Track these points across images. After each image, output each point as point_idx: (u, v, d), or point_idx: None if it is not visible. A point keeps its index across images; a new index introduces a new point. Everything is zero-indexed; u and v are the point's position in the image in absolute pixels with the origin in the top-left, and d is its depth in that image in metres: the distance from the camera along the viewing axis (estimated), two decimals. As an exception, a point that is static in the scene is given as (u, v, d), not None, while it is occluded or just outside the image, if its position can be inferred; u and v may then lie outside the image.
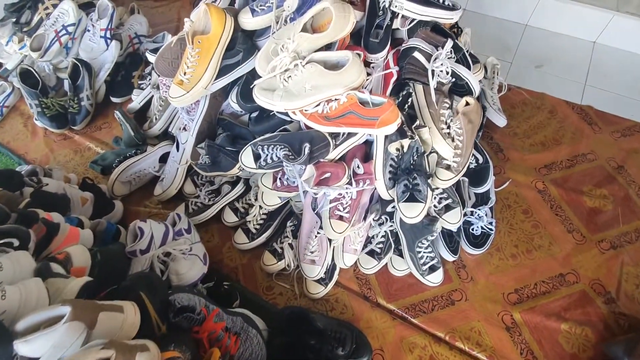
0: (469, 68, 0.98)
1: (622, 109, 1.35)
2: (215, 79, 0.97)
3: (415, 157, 0.87)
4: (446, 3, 0.88)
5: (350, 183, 0.92)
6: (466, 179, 1.09)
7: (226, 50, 0.95)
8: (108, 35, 1.45)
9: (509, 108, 1.37)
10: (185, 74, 0.93)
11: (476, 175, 1.11)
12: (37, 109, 1.36)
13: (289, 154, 0.85)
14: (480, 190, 1.10)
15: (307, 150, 0.81)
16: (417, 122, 0.85)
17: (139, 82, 1.45)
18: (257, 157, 0.91)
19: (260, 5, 0.95)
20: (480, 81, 1.24)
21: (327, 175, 0.90)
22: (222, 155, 1.00)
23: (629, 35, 1.48)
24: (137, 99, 1.38)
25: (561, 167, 1.22)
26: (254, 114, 1.03)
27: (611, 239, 1.08)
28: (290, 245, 1.03)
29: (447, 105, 0.93)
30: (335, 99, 0.81)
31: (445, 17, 0.88)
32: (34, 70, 1.36)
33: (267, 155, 0.89)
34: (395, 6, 0.84)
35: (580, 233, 1.09)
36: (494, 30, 1.65)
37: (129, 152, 1.26)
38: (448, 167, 0.95)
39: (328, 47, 0.87)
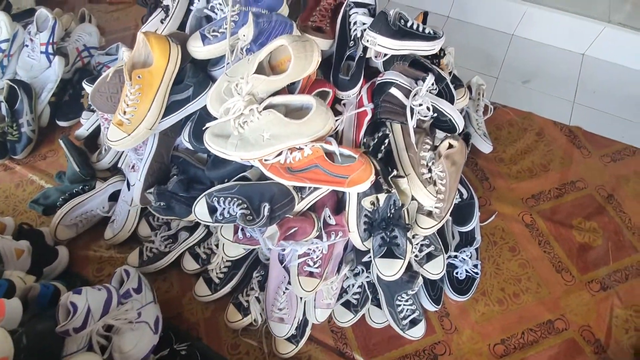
0: (452, 101, 0.88)
1: (612, 129, 1.28)
2: (163, 117, 0.83)
3: (392, 211, 0.77)
4: (426, 31, 0.77)
5: (320, 236, 0.81)
6: (449, 217, 1.00)
7: (174, 83, 0.82)
8: (50, 50, 1.27)
9: (495, 130, 1.28)
10: (125, 113, 0.79)
11: (460, 213, 1.02)
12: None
13: (246, 213, 0.73)
14: (465, 229, 1.01)
15: (266, 212, 0.70)
16: (394, 172, 0.75)
17: (89, 102, 1.29)
18: (212, 209, 0.79)
19: (213, 31, 0.81)
20: (462, 109, 1.15)
21: (294, 230, 0.79)
22: (175, 202, 0.87)
23: (620, 47, 1.41)
24: (86, 124, 1.22)
25: (549, 197, 1.14)
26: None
27: (601, 279, 1.01)
28: (257, 298, 0.93)
29: (429, 147, 0.82)
30: (299, 148, 0.69)
31: (425, 49, 0.77)
32: (-38, 93, 1.19)
33: (223, 209, 0.77)
34: (367, 41, 0.72)
35: (569, 273, 1.02)
36: (479, 41, 1.54)
37: (74, 188, 1.11)
38: (430, 214, 0.85)
39: (292, 83, 0.75)
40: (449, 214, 0.87)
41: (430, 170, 0.82)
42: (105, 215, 1.07)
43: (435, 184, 0.83)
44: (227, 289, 0.97)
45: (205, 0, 0.91)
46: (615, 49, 1.41)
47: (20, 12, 1.45)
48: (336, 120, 0.79)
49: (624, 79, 1.41)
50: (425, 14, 1.08)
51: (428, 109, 0.80)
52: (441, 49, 1.01)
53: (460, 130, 0.87)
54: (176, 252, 1.00)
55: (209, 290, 0.97)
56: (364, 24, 0.75)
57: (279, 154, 0.72)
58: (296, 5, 0.92)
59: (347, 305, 0.93)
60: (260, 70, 0.69)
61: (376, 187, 0.72)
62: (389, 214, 0.77)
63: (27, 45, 1.26)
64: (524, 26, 1.52)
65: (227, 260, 0.97)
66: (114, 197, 1.08)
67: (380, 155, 0.81)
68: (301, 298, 0.89)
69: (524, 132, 1.28)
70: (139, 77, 0.77)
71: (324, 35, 0.79)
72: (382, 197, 0.73)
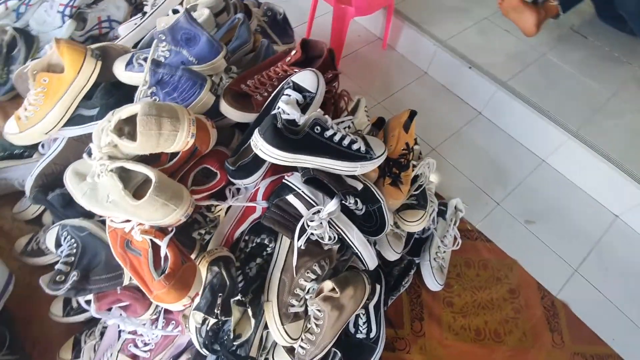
0: (380, 230, 0.71)
1: (606, 323, 1.00)
2: (66, 126, 0.77)
3: (225, 339, 0.62)
4: (354, 147, 0.61)
5: (157, 320, 0.69)
6: (338, 353, 0.82)
7: (87, 97, 0.75)
8: (67, 12, 1.29)
9: (463, 265, 1.07)
10: (25, 110, 0.74)
11: (357, 351, 0.84)
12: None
13: (62, 270, 0.63)
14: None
15: (71, 279, 0.59)
16: (239, 298, 0.60)
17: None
18: (58, 243, 0.71)
19: (143, 60, 0.73)
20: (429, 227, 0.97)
21: (124, 304, 0.67)
22: (53, 215, 0.80)
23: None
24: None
25: (484, 378, 0.91)
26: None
27: None
28: (94, 347, 0.82)
29: (313, 277, 0.67)
30: (142, 227, 0.58)
31: (338, 168, 0.62)
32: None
33: (64, 248, 0.68)
34: (252, 140, 0.58)
35: None
36: (500, 152, 1.32)
37: (16, 150, 1.11)
38: (291, 351, 0.69)
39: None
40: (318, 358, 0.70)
41: (304, 305, 0.66)
42: (21, 189, 1.04)
43: (298, 317, 0.66)
44: (80, 317, 0.88)
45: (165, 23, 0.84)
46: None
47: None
48: (216, 205, 0.67)
49: (654, 266, 1.11)
50: (412, 114, 0.92)
51: (330, 237, 0.65)
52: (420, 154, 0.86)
53: (370, 269, 0.71)
54: (53, 256, 0.94)
55: (63, 311, 0.89)
56: (284, 112, 0.61)
57: (127, 221, 0.61)
58: (254, 60, 0.81)
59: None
60: (118, 130, 0.59)
61: (209, 306, 0.59)
62: (220, 341, 0.62)
63: (47, 1, 1.30)
64: (559, 156, 1.27)
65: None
66: (39, 174, 1.05)
67: (249, 270, 0.67)
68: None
69: (495, 282, 1.05)
70: (44, 80, 0.71)
71: (242, 107, 0.67)
72: (211, 320, 0.59)
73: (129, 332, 0.71)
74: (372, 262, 0.69)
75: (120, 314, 0.69)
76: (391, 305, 0.95)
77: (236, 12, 0.91)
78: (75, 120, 0.76)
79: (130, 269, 0.57)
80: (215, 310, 0.58)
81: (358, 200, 0.68)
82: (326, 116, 0.60)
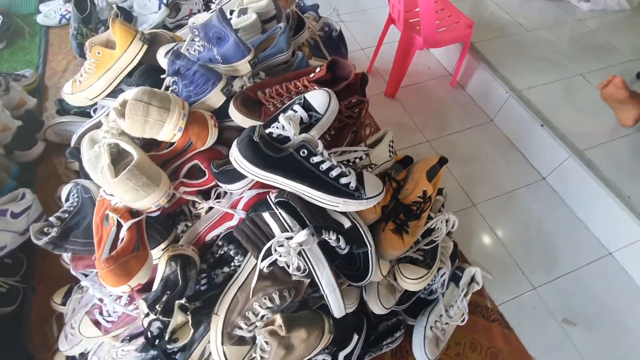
0: (362, 277, 0.64)
1: None
2: (108, 97, 0.84)
3: (164, 340, 0.60)
4: (342, 182, 0.55)
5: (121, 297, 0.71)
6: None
7: (129, 75, 0.82)
8: (164, 0, 1.46)
9: (466, 345, 0.92)
10: (81, 75, 0.83)
11: None
12: (73, 31, 1.47)
13: (58, 219, 0.67)
14: None
15: (53, 233, 0.63)
16: (182, 302, 0.58)
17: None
18: (67, 197, 0.77)
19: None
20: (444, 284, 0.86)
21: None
22: (81, 171, 0.88)
23: None
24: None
25: None
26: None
27: None
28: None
29: (270, 305, 0.62)
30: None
31: (321, 200, 0.56)
32: (89, -2, 1.46)
33: (67, 203, 0.74)
34: (231, 149, 0.55)
35: None
36: (558, 229, 1.12)
37: (88, 108, 1.26)
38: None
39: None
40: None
41: (250, 331, 0.62)
42: (78, 145, 1.18)
43: (243, 342, 0.62)
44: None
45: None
46: None
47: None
48: (197, 204, 0.66)
49: None
50: (442, 161, 0.83)
51: (299, 268, 0.60)
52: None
53: (336, 316, 0.64)
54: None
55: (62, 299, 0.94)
56: (282, 128, 0.59)
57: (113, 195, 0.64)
58: (286, 69, 0.80)
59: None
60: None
61: (153, 301, 0.58)
62: (161, 338, 0.61)
63: (152, -14, 1.48)
64: (632, 254, 1.03)
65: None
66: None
67: (215, 276, 0.64)
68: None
69: (500, 379, 0.88)
70: (98, 52, 0.79)
71: (249, 113, 0.65)
72: (147, 319, 0.58)
73: (98, 299, 0.74)
74: (338, 310, 0.62)
75: (94, 280, 0.72)
76: (371, 363, 0.85)
77: (288, 22, 0.92)
78: (116, 93, 0.83)
79: (96, 240, 0.59)
80: (157, 307, 0.57)
81: (341, 238, 0.62)
82: (318, 141, 0.56)
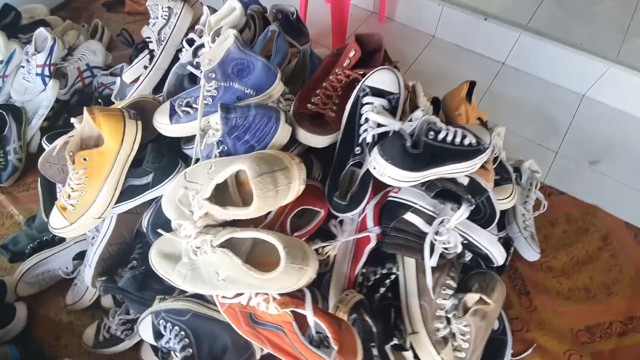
0: (492, 220, 0.65)
1: None
2: (118, 202, 0.67)
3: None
4: (466, 142, 0.54)
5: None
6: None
7: (134, 164, 0.65)
8: (46, 72, 1.16)
9: (546, 225, 1.02)
10: (69, 197, 0.64)
11: (486, 349, 0.78)
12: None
13: (188, 357, 0.55)
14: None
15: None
16: (394, 341, 0.54)
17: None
18: (158, 334, 0.63)
19: (186, 105, 0.63)
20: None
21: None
22: (127, 299, 0.71)
23: None
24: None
25: (610, 334, 0.87)
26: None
27: None
28: None
29: (451, 291, 0.60)
30: (266, 294, 0.50)
31: (460, 171, 0.54)
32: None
33: (168, 338, 0.60)
34: (374, 168, 0.50)
35: None
36: (538, 99, 1.26)
37: (44, 236, 1.00)
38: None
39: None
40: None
41: (449, 323, 0.60)
42: (67, 277, 0.94)
43: (447, 340, 0.60)
44: (108, 350, 0.82)
45: (192, 53, 0.74)
46: None
47: (31, 24, 1.36)
48: (325, 247, 0.59)
49: None
50: (472, 85, 0.84)
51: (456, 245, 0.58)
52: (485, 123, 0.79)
53: (499, 264, 0.64)
54: (132, 341, 0.85)
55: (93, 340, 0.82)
56: (378, 125, 0.53)
57: (241, 294, 0.53)
58: (301, 72, 0.72)
59: None
60: (223, 187, 0.50)
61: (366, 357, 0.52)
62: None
63: (23, 67, 1.16)
64: (601, 88, 1.22)
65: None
66: (81, 255, 0.95)
67: (377, 297, 0.60)
68: None
69: (584, 234, 1.00)
70: (84, 159, 0.61)
71: (321, 130, 0.58)
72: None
73: None
74: (501, 257, 0.63)
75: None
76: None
77: (255, 25, 0.81)
78: (126, 193, 0.66)
79: (270, 347, 0.49)
80: (374, 364, 0.51)
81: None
82: (433, 116, 0.53)
